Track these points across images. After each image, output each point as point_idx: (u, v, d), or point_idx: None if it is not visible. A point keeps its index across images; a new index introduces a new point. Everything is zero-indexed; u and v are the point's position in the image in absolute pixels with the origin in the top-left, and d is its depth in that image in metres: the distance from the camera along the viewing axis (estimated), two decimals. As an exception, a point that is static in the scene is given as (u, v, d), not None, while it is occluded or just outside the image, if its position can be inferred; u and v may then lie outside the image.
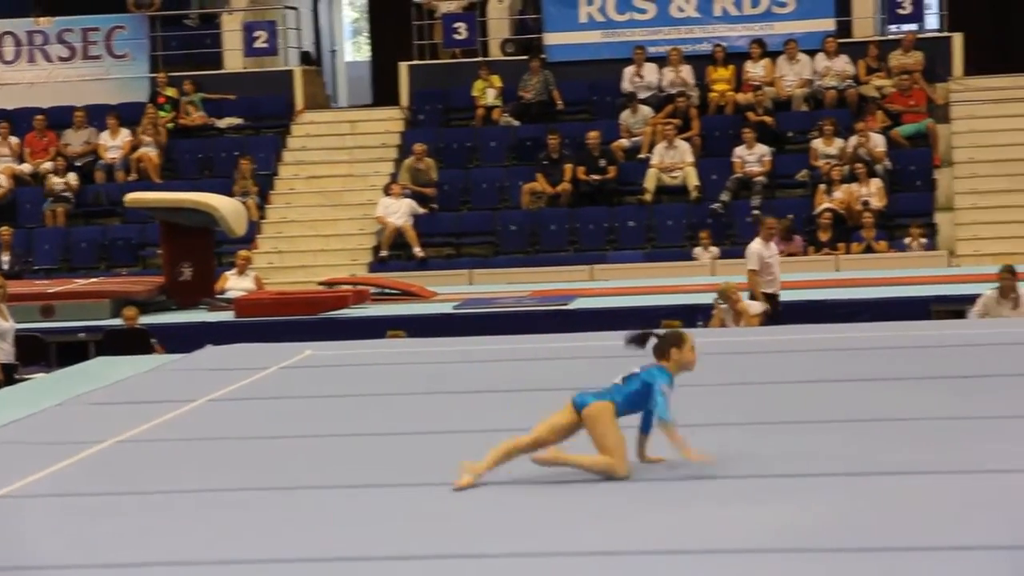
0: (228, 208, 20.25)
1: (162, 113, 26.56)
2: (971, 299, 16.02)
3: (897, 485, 7.92)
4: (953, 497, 7.62)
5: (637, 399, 8.28)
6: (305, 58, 29.19)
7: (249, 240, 23.43)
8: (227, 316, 18.57)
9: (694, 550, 6.83)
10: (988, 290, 15.60)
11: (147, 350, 16.43)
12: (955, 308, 16.67)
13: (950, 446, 8.73)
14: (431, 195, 24.53)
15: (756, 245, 16.87)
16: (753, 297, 16.45)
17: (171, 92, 26.83)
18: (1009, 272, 15.49)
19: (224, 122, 26.91)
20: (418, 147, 24.78)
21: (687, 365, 8.38)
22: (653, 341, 8.43)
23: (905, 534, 6.97)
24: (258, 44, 27.44)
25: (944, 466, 8.25)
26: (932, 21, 28.37)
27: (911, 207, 23.38)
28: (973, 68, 25.63)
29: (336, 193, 25.58)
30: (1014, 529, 6.95)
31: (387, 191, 24.28)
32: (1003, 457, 8.41)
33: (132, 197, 21.57)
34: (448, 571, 6.74)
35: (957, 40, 25.61)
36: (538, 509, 7.68)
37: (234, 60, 27.79)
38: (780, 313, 16.52)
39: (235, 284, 20.76)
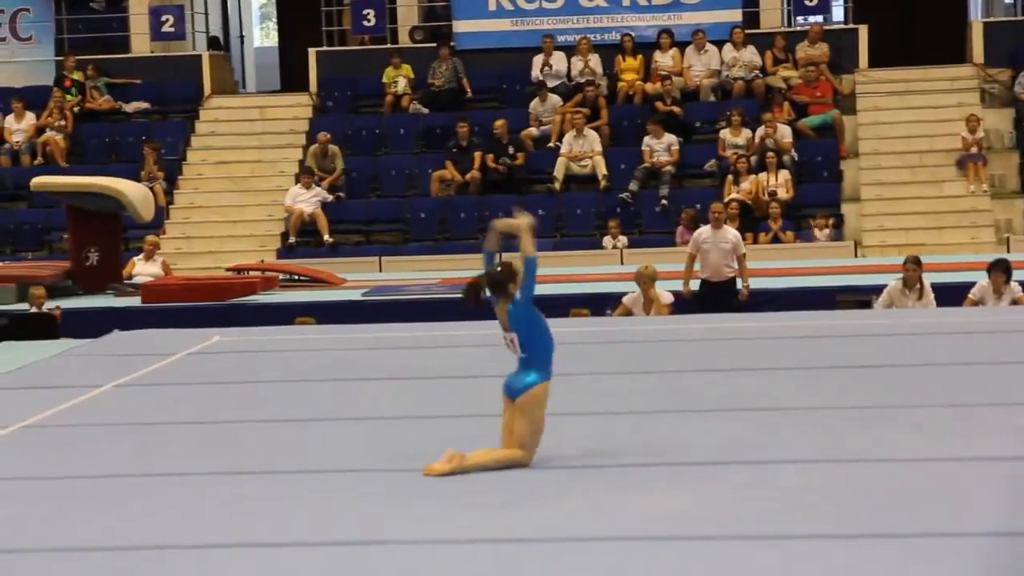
0: (135, 193, 20.10)
1: (68, 97, 26.32)
2: (876, 289, 16.17)
3: (793, 473, 7.99)
4: (848, 485, 7.71)
5: (530, 333, 8.36)
6: (213, 43, 29.02)
7: (157, 225, 23.27)
8: (134, 302, 18.43)
9: (594, 537, 6.86)
10: (893, 281, 15.75)
11: (54, 335, 16.27)
12: (860, 298, 16.80)
13: (848, 435, 8.81)
14: (336, 183, 24.46)
15: (700, 230, 16.94)
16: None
17: (77, 76, 26.58)
18: (914, 263, 15.63)
19: (131, 106, 26.71)
20: (322, 136, 24.69)
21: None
22: (486, 290, 8.40)
23: (801, 522, 7.04)
24: (165, 28, 27.25)
25: (840, 455, 8.33)
26: (838, 13, 28.63)
27: (817, 198, 23.58)
28: (878, 60, 25.89)
29: (244, 179, 25.47)
30: (906, 517, 7.04)
31: (297, 180, 24.20)
32: (903, 446, 8.51)
33: (38, 181, 21.33)
34: (352, 558, 6.73)
35: (863, 32, 25.87)
36: (440, 497, 7.69)
37: (141, 44, 27.58)
38: (732, 299, 16.39)
39: (142, 269, 20.62)
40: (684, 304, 16.32)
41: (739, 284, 16.52)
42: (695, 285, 16.61)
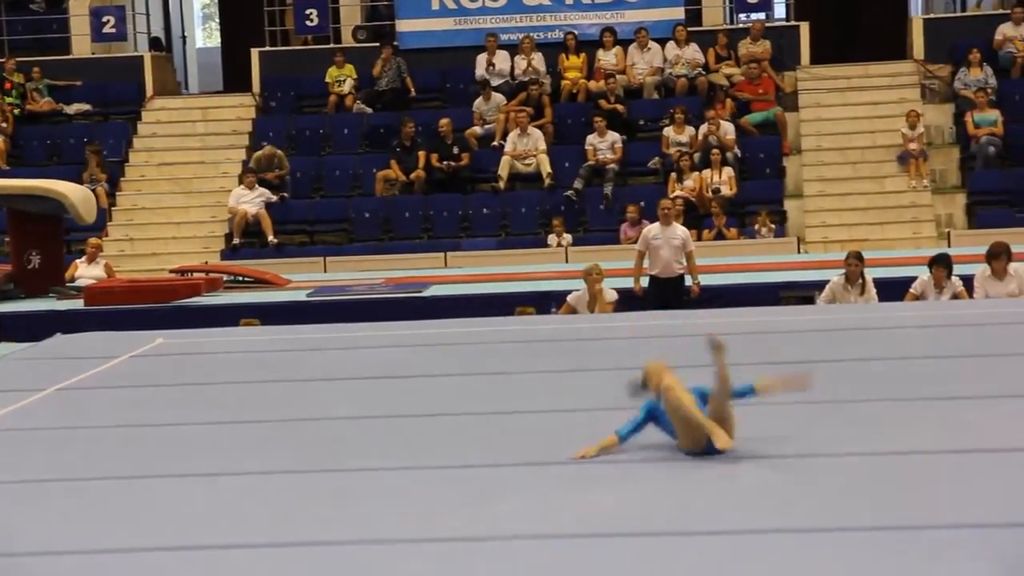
0: (77, 195, 19.98)
1: (9, 99, 26.16)
2: (819, 285, 16.25)
3: (735, 470, 8.02)
4: (792, 481, 7.75)
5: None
6: (155, 44, 28.91)
7: (99, 228, 23.17)
8: (77, 304, 18.32)
9: (541, 535, 6.88)
10: (835, 276, 15.83)
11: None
12: (803, 294, 16.89)
13: (792, 431, 8.85)
14: (282, 184, 24.39)
15: (649, 228, 16.97)
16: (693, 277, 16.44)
17: (18, 78, 26.42)
18: (856, 258, 15.72)
19: (72, 108, 26.58)
20: (269, 148, 24.59)
21: (666, 389, 8.35)
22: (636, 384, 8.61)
23: (744, 518, 7.07)
24: (107, 29, 27.12)
25: (784, 451, 8.37)
26: (780, 10, 28.75)
27: (760, 194, 23.68)
28: (819, 57, 26.03)
29: (188, 180, 25.39)
30: (849, 511, 7.09)
31: (241, 181, 24.13)
32: (845, 441, 8.56)
33: (-22, 185, 21.20)
34: (300, 558, 6.72)
35: (804, 29, 26.00)
36: (388, 497, 7.69)
37: (82, 46, 27.45)
38: (682, 296, 16.43)
39: (85, 272, 20.52)
40: (629, 301, 16.36)
41: (688, 281, 16.57)
42: (645, 282, 16.66)
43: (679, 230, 16.88)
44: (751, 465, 8.08)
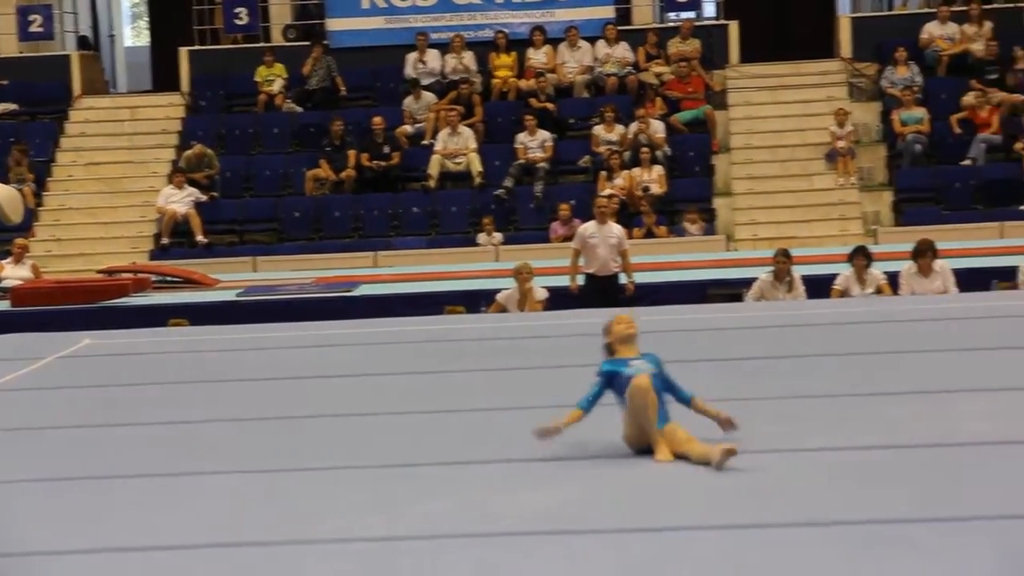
0: (3, 195, 19.75)
1: (-66, 99, 25.94)
2: (747, 283, 16.35)
3: (664, 468, 8.06)
4: (722, 477, 7.80)
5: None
6: (82, 43, 28.70)
7: (26, 228, 22.97)
8: (3, 305, 18.20)
9: (466, 534, 6.89)
10: (763, 274, 15.93)
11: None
12: (732, 292, 16.99)
13: (717, 428, 8.88)
14: (211, 183, 24.28)
15: (585, 226, 16.98)
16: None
17: (-56, 78, 26.21)
18: (784, 256, 15.83)
19: (-1, 108, 26.37)
20: (199, 147, 24.48)
21: (620, 338, 8.64)
22: None
23: (678, 514, 7.12)
24: (33, 28, 26.89)
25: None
26: (709, 9, 28.89)
27: (690, 192, 23.76)
28: (748, 55, 26.16)
29: (116, 180, 25.21)
30: (779, 508, 7.14)
31: (170, 180, 24.01)
32: (774, 438, 8.62)
33: (-97, 185, 20.97)
34: (228, 558, 6.71)
35: (733, 28, 26.11)
36: (317, 497, 7.69)
37: (8, 44, 27.22)
38: (615, 293, 16.45)
39: (11, 273, 20.34)
40: (563, 300, 16.39)
41: (623, 279, 16.61)
42: (581, 279, 16.70)
43: (615, 228, 16.93)
44: (681, 463, 8.12)
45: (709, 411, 8.67)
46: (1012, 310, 13.67)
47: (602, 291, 16.47)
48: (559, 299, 16.37)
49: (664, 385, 8.49)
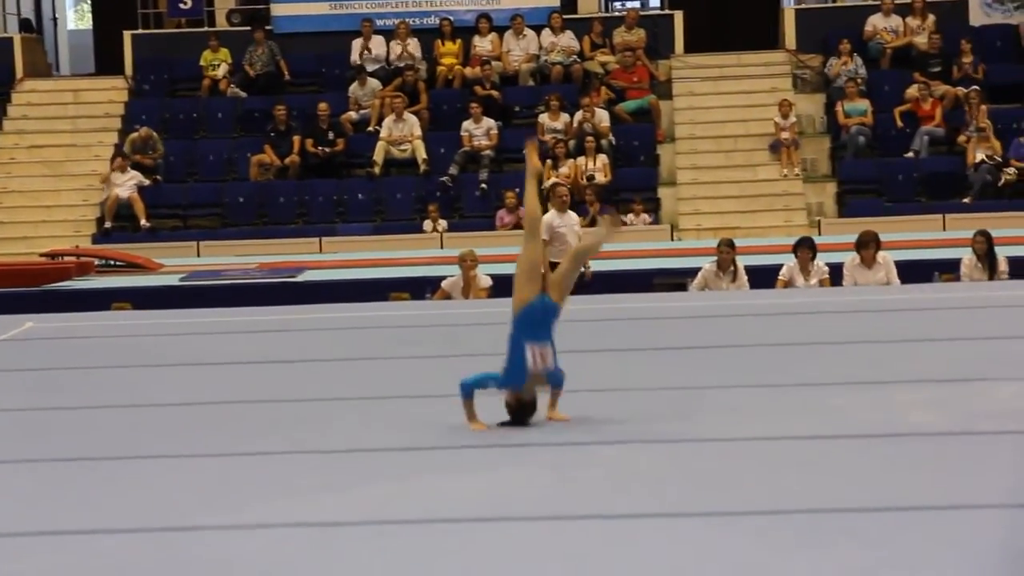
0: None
1: None
2: (691, 272, 16.40)
3: (606, 455, 8.10)
4: (664, 465, 7.84)
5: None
6: (25, 25, 28.50)
7: (-33, 211, 22.83)
8: (-56, 289, 18.08)
9: (408, 520, 6.89)
10: (707, 263, 15.99)
11: None
12: (676, 281, 17.03)
13: (663, 416, 8.93)
14: (155, 167, 24.18)
15: (548, 215, 16.89)
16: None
17: None
18: (727, 246, 15.89)
19: (-60, 90, 26.16)
20: (144, 130, 24.38)
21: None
22: None
23: (618, 501, 7.15)
24: (-25, 10, 26.70)
25: (656, 435, 8.46)
26: (654, -1, 28.98)
27: (635, 182, 23.83)
28: (693, 46, 26.24)
29: (59, 163, 25.06)
30: (720, 495, 7.18)
31: (112, 164, 23.89)
32: (716, 427, 8.66)
33: None
34: (173, 543, 6.69)
35: (678, 18, 26.19)
36: (262, 482, 7.67)
37: (-50, 27, 27.02)
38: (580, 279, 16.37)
39: (-47, 256, 20.23)
40: (503, 287, 16.35)
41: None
42: None
43: (573, 216, 16.86)
44: (622, 449, 8.17)
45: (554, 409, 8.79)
46: (954, 302, 13.79)
47: None
48: (503, 287, 16.36)
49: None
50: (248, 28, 26.20)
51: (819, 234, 21.04)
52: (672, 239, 22.34)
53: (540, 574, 6.07)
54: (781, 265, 15.88)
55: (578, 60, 25.44)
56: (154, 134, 24.41)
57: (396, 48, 25.61)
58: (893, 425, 8.52)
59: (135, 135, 24.39)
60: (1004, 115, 23.92)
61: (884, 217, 21.56)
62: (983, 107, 23.43)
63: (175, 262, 20.44)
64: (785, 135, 23.91)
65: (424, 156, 23.96)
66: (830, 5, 27.86)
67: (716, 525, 6.66)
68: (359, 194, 23.95)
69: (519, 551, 6.38)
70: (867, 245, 15.65)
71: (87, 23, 34.05)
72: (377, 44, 25.62)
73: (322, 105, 24.27)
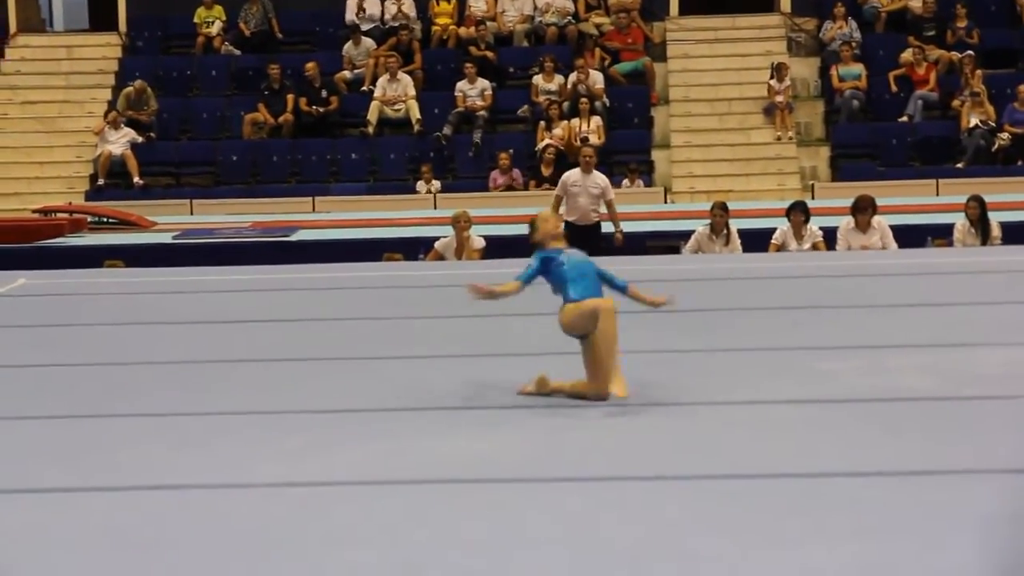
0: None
1: None
2: (684, 235, 16.39)
3: (607, 418, 8.12)
4: (654, 430, 7.85)
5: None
6: (19, -20, 28.37)
7: (-40, 167, 22.79)
8: (-64, 244, 18.06)
9: (396, 480, 6.90)
10: (701, 227, 15.98)
11: None
12: (669, 244, 17.02)
13: (653, 380, 8.93)
14: (149, 123, 24.14)
15: (570, 174, 16.80)
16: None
17: None
18: (721, 209, 15.87)
19: (-68, 45, 26.08)
20: (139, 83, 24.33)
21: (551, 235, 8.69)
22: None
23: (606, 465, 7.16)
24: (-31, -36, 26.59)
25: (648, 399, 8.46)
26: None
27: (628, 144, 23.80)
28: (688, 8, 26.18)
29: (52, 119, 25.01)
30: (710, 461, 7.20)
31: (106, 119, 23.83)
32: (705, 390, 8.67)
33: None
34: (161, 501, 6.69)
35: (674, -20, 26.15)
36: (250, 443, 7.67)
37: (-58, -20, 26.91)
38: (595, 242, 16.37)
39: (-55, 212, 20.21)
40: (496, 248, 16.34)
41: (605, 229, 16.46)
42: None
43: (600, 178, 16.71)
44: (613, 411, 8.17)
45: (644, 298, 8.84)
46: (947, 267, 13.79)
47: (581, 239, 16.37)
48: (496, 247, 16.35)
49: (602, 279, 8.67)
50: (242, -15, 26.12)
51: (812, 198, 21.03)
52: (665, 202, 22.32)
53: (528, 535, 6.08)
54: (775, 229, 15.87)
55: (573, 21, 25.39)
56: (148, 88, 24.36)
57: (391, 7, 25.54)
58: (886, 389, 8.53)
59: (129, 89, 24.34)
60: (998, 80, 23.89)
61: (877, 181, 21.57)
62: (977, 72, 23.41)
63: (168, 220, 20.42)
64: (779, 98, 23.88)
65: (418, 116, 23.92)
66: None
67: (706, 488, 6.67)
68: (352, 154, 23.92)
69: (506, 514, 6.38)
70: (864, 210, 15.61)
71: (81, -21, 33.88)
72: (372, 3, 25.55)
73: (309, 65, 24.20)
